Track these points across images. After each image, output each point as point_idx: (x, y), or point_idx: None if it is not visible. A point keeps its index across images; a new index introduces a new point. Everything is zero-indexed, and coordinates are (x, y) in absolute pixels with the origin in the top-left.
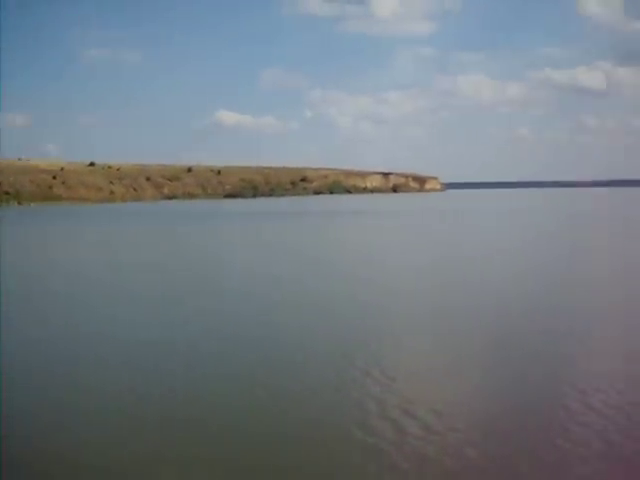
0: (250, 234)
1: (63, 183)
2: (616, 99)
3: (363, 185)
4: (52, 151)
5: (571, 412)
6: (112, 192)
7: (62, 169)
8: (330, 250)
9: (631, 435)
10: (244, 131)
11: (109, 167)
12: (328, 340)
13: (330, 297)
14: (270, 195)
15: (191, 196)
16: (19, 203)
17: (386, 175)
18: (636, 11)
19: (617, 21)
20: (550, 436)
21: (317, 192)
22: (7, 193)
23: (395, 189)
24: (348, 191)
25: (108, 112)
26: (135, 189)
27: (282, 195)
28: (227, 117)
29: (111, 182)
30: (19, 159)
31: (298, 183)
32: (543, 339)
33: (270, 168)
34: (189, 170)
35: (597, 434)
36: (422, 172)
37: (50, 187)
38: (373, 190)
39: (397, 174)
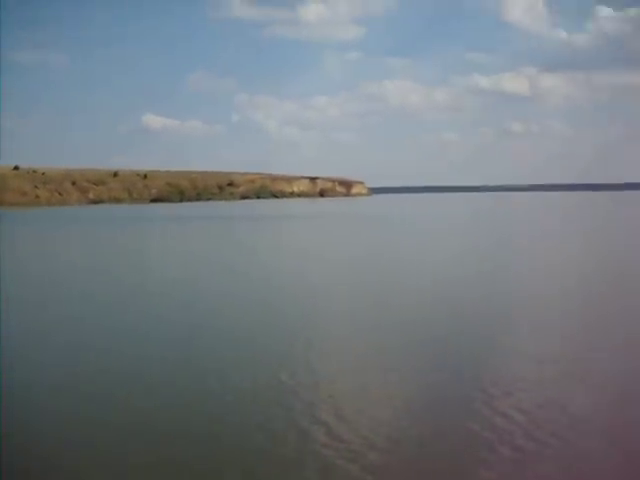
0: (164, 239)
1: None
2: (540, 104)
3: (290, 190)
4: None
5: (479, 415)
6: (37, 196)
7: None
8: (232, 254)
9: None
10: (170, 135)
11: (34, 171)
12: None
13: (235, 299)
14: (197, 200)
15: (117, 200)
16: None
17: (313, 180)
18: (560, 19)
19: (541, 28)
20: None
21: (244, 197)
22: None
23: (322, 194)
24: (275, 196)
25: (33, 116)
26: (60, 193)
27: (209, 199)
28: (153, 121)
29: (36, 186)
30: None
31: (225, 188)
32: (454, 340)
33: (197, 172)
34: (115, 174)
35: (503, 437)
36: (349, 177)
37: None
38: (300, 195)
39: (324, 179)
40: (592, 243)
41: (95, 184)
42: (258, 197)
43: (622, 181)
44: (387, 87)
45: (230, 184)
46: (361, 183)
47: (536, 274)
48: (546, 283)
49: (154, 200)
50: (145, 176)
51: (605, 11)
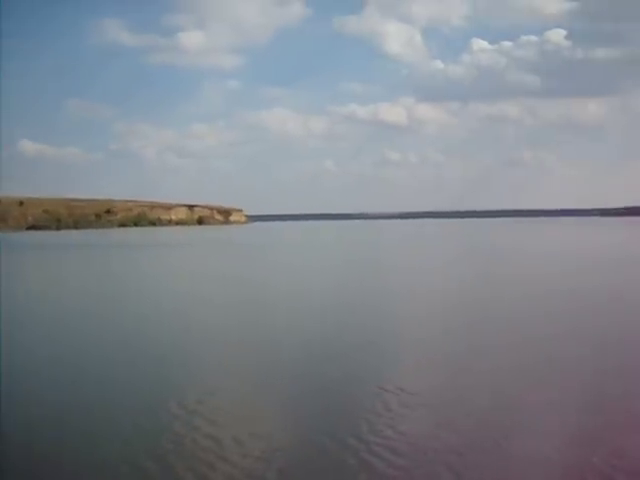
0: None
1: None
2: (417, 134)
3: (168, 217)
4: None
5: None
6: None
7: None
8: (91, 280)
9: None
10: (47, 161)
11: None
12: None
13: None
14: (75, 227)
15: None
16: None
17: (191, 207)
18: (437, 50)
19: (418, 59)
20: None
21: (122, 224)
22: None
23: (200, 221)
24: (153, 223)
25: None
26: None
27: (86, 227)
28: (29, 147)
29: None
30: None
31: (103, 215)
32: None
33: (74, 200)
34: None
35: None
36: (228, 204)
37: None
38: (178, 222)
39: (202, 206)
40: (455, 268)
41: None
42: (136, 225)
43: (499, 208)
44: (266, 115)
45: (108, 212)
46: (239, 211)
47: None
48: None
49: (30, 228)
50: (21, 203)
51: (480, 44)
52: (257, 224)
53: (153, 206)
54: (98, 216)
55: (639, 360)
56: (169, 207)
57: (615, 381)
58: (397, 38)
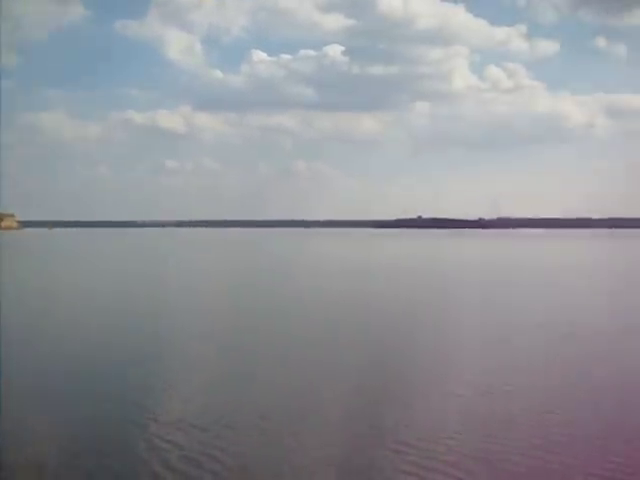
0: None
1: None
2: (195, 142)
3: None
4: None
5: None
6: None
7: None
8: None
9: None
10: None
11: None
12: None
13: None
14: None
15: None
16: None
17: None
18: (216, 60)
19: (198, 68)
20: None
21: None
22: None
23: None
24: None
25: None
26: None
27: None
28: None
29: None
30: None
31: None
32: None
33: None
34: None
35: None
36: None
37: None
38: None
39: None
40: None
41: None
42: None
43: (276, 218)
44: (40, 118)
45: None
46: (11, 216)
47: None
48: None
49: None
50: None
51: (260, 55)
52: (30, 230)
53: None
54: None
55: None
56: None
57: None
58: (177, 45)
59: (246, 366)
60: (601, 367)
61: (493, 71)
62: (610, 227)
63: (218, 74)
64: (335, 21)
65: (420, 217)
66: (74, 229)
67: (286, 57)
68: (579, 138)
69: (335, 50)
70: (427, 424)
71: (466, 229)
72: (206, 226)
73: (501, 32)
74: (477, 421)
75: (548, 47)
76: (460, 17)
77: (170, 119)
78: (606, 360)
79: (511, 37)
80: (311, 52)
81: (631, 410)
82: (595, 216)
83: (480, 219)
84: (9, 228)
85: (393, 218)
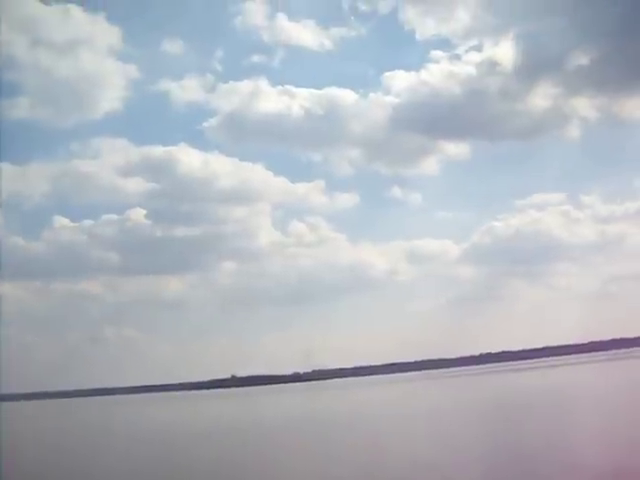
0: None
1: None
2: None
3: None
4: None
5: None
6: None
7: None
8: None
9: None
10: None
11: None
12: None
13: None
14: None
15: None
16: None
17: None
18: (17, 227)
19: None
20: None
21: None
22: None
23: None
24: None
25: None
26: None
27: None
28: None
29: None
30: None
31: None
32: None
33: None
34: None
35: None
36: None
37: None
38: None
39: None
40: None
41: None
42: None
43: (88, 387)
44: None
45: None
46: None
47: None
48: None
49: None
50: None
51: (62, 221)
52: None
53: None
54: None
55: None
56: None
57: None
58: None
59: None
60: None
61: (296, 226)
62: (422, 369)
63: (19, 241)
64: (136, 184)
65: (234, 376)
66: None
67: (88, 222)
68: (384, 285)
69: (138, 213)
70: None
71: (282, 384)
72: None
73: (301, 187)
74: None
75: (347, 200)
76: (260, 175)
77: None
78: None
79: (311, 192)
80: (113, 216)
81: None
82: (408, 359)
83: (295, 373)
84: None
85: (207, 379)
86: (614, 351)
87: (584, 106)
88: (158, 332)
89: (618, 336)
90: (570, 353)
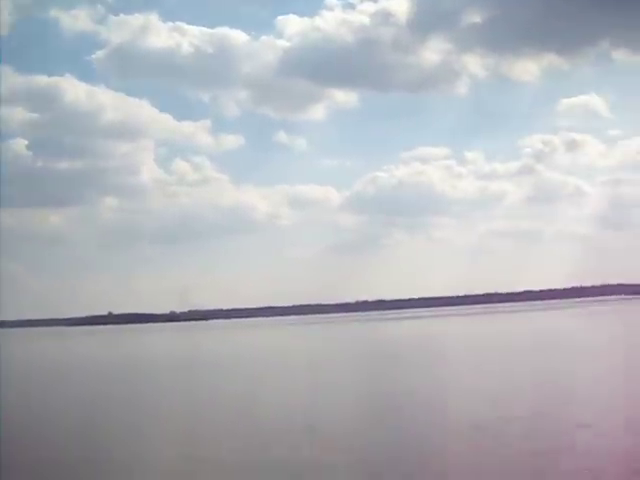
0: None
1: None
2: None
3: None
4: None
5: None
6: None
7: None
8: None
9: None
10: None
11: None
12: None
13: None
14: None
15: None
16: None
17: None
18: None
19: None
20: None
21: None
22: None
23: None
24: None
25: None
26: None
27: None
28: None
29: None
30: None
31: None
32: None
33: None
34: None
35: None
36: None
37: None
38: None
39: None
40: None
41: None
42: None
43: None
44: None
45: None
46: None
47: None
48: None
49: None
50: None
51: None
52: None
53: None
54: None
55: None
56: None
57: None
58: None
59: None
60: None
61: (180, 164)
62: (300, 314)
63: None
64: (18, 114)
65: (111, 313)
66: None
67: None
68: (265, 228)
69: (19, 144)
70: None
71: (158, 323)
72: None
73: (187, 126)
74: None
75: (232, 141)
76: (145, 111)
77: None
78: None
79: (196, 131)
80: None
81: None
82: (286, 304)
83: (171, 312)
84: None
85: (83, 315)
86: (487, 305)
87: (474, 64)
88: (36, 266)
89: (492, 290)
90: (444, 305)
